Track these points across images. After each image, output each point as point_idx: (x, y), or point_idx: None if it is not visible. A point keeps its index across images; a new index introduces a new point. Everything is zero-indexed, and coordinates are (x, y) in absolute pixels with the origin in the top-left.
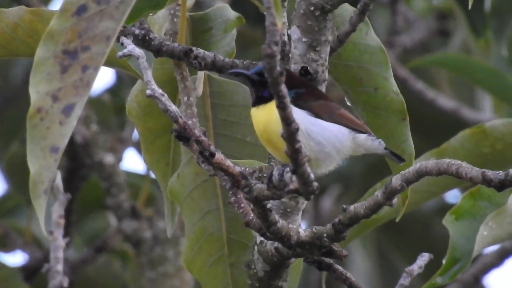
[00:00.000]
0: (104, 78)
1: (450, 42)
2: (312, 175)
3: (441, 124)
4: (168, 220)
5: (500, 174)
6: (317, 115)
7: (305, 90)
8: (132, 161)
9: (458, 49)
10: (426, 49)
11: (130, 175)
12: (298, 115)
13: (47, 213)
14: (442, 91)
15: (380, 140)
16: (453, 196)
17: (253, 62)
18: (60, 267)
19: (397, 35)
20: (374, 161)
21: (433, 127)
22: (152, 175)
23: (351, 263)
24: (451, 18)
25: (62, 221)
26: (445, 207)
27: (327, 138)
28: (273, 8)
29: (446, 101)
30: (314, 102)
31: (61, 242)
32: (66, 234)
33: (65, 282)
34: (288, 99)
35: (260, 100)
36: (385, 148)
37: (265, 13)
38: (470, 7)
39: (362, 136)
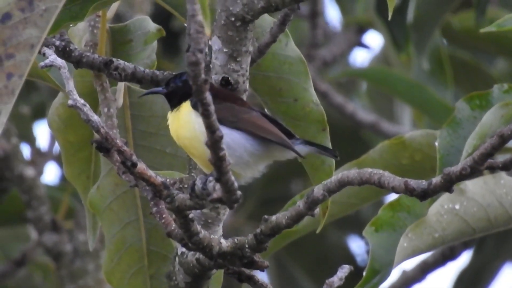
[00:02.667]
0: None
1: (370, 55)
2: (236, 184)
3: (361, 137)
4: (89, 233)
5: (423, 183)
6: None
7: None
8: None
9: (379, 62)
10: (346, 62)
11: (50, 188)
12: (198, 118)
13: None
14: (362, 103)
15: (300, 142)
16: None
17: (173, 73)
18: None
19: (317, 48)
20: (272, 171)
21: (353, 140)
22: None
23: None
24: (371, 31)
25: None
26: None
27: (228, 145)
28: (200, 15)
29: (365, 115)
30: (216, 105)
31: None
32: None
33: None
34: (212, 107)
35: (173, 105)
36: (311, 145)
37: (186, 23)
38: (390, 18)
39: (274, 147)
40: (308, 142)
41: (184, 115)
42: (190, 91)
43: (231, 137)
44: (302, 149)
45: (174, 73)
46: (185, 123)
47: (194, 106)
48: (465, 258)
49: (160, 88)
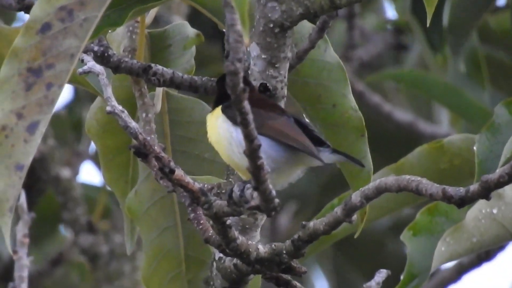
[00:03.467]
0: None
1: (407, 56)
2: (274, 192)
3: (398, 137)
4: (127, 238)
5: (461, 190)
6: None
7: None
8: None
9: (415, 63)
10: (382, 63)
11: (87, 187)
12: (223, 123)
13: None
14: (399, 104)
15: (329, 150)
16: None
17: (211, 79)
18: (24, 286)
19: (354, 49)
20: (329, 178)
21: (390, 140)
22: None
23: (307, 280)
24: (408, 32)
25: (27, 240)
26: (398, 224)
27: None
28: (239, 24)
29: (402, 114)
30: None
31: (25, 261)
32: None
33: None
34: (250, 116)
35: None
36: (338, 153)
37: (225, 30)
38: (428, 24)
39: (300, 153)
40: (336, 150)
41: (214, 119)
42: (224, 94)
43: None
44: (328, 157)
45: (212, 79)
46: (212, 127)
47: (224, 111)
48: None
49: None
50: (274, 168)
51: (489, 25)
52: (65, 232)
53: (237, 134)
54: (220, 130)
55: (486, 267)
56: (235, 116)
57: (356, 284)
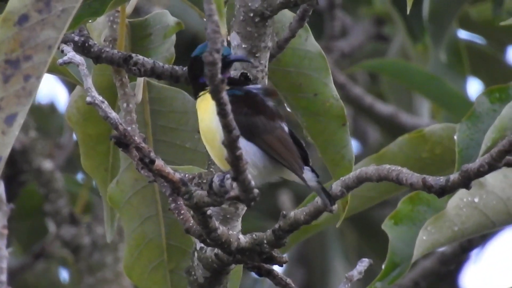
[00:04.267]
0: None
1: (388, 47)
2: (253, 182)
3: (379, 129)
4: (107, 226)
5: (441, 180)
6: (247, 136)
7: (243, 94)
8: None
9: (396, 54)
10: (364, 54)
11: (68, 182)
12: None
13: None
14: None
15: (311, 171)
16: None
17: None
18: (3, 277)
19: (334, 40)
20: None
21: (371, 131)
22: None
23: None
24: (389, 23)
25: (5, 232)
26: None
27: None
28: (217, 15)
29: (383, 106)
30: (244, 117)
31: (4, 252)
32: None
33: None
34: (229, 106)
35: (200, 88)
36: (318, 183)
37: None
38: (408, 12)
39: (284, 169)
40: (316, 173)
41: (207, 107)
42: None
43: (245, 149)
44: (311, 179)
45: None
46: (206, 116)
47: None
48: None
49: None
50: (253, 175)
51: (469, 15)
52: (47, 225)
53: None
54: (214, 122)
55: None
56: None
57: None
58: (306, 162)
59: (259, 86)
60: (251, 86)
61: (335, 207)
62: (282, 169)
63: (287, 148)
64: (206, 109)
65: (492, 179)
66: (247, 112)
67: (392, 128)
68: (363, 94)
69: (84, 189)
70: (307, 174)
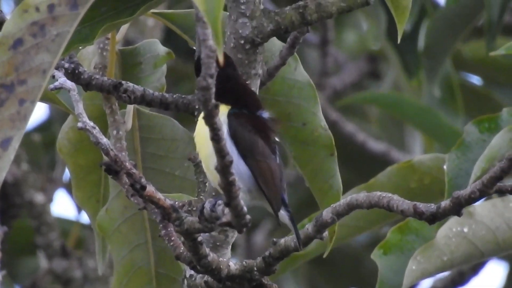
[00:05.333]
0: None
1: (381, 83)
2: (245, 208)
3: (372, 166)
4: (99, 257)
5: (432, 206)
6: (242, 153)
7: (246, 112)
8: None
9: (389, 90)
10: (356, 90)
11: (60, 219)
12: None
13: None
14: (373, 131)
15: (287, 213)
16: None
17: (183, 96)
18: None
19: (327, 76)
20: (305, 196)
21: (363, 169)
22: (82, 219)
23: None
24: (382, 60)
25: None
26: (375, 241)
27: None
28: (211, 40)
29: (376, 144)
30: (248, 133)
31: None
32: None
33: None
34: (222, 132)
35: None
36: (292, 223)
37: (195, 47)
38: (399, 41)
39: (264, 200)
40: (293, 220)
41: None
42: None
43: (238, 168)
44: (284, 216)
45: (183, 96)
46: (204, 140)
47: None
48: (497, 284)
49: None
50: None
51: (462, 52)
52: (38, 259)
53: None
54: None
55: None
56: (232, 130)
57: None
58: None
59: (266, 113)
60: (260, 111)
61: (325, 234)
62: (260, 200)
63: (274, 181)
64: (202, 134)
65: (481, 208)
66: (251, 130)
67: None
68: (355, 131)
69: (76, 225)
70: (283, 211)
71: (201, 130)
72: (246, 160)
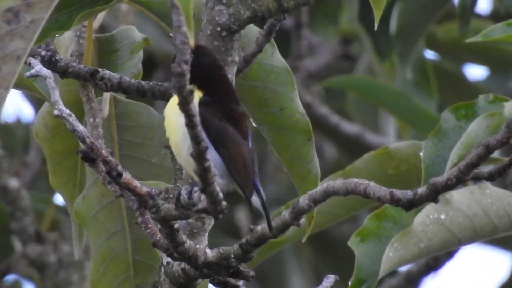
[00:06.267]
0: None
1: (355, 66)
2: (221, 194)
3: (346, 149)
4: (76, 243)
5: (409, 193)
6: (213, 140)
7: (217, 98)
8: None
9: (363, 73)
10: (330, 73)
11: (35, 199)
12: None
13: None
14: (347, 115)
15: (260, 199)
16: None
17: (159, 84)
18: None
19: (301, 59)
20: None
21: (337, 151)
22: (56, 200)
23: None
24: (355, 43)
25: None
26: None
27: None
28: (185, 26)
29: (350, 126)
30: (218, 121)
31: None
32: None
33: None
34: (197, 118)
35: None
36: (264, 209)
37: (172, 33)
38: (376, 28)
39: (236, 186)
40: (264, 206)
41: (176, 115)
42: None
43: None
44: (256, 202)
45: (159, 83)
46: (175, 126)
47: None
48: (503, 274)
49: None
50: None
51: (436, 34)
52: (13, 243)
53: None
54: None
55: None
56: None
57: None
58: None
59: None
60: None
61: (302, 221)
62: (233, 186)
63: (245, 167)
64: (176, 116)
65: (458, 195)
66: (222, 118)
67: (358, 148)
68: (329, 114)
69: (50, 207)
70: (254, 198)
71: (172, 116)
72: (216, 147)
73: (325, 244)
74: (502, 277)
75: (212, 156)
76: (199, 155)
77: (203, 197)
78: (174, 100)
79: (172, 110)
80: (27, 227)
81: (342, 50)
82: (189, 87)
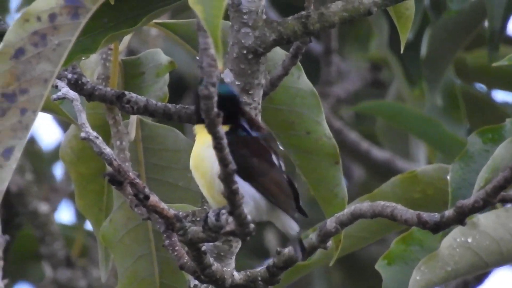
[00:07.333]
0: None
1: (384, 93)
2: (249, 217)
3: (376, 175)
4: (102, 265)
5: (436, 216)
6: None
7: (246, 135)
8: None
9: (392, 99)
10: (360, 99)
11: (64, 227)
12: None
13: None
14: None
15: (296, 227)
16: None
17: (185, 107)
18: None
19: (330, 86)
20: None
21: (367, 177)
22: (85, 227)
23: None
24: (385, 69)
25: (1, 263)
26: None
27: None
28: (212, 49)
29: (380, 152)
30: (242, 158)
31: (0, 283)
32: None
33: None
34: (225, 141)
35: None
36: (298, 234)
37: (197, 57)
38: (402, 50)
39: (281, 215)
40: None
41: (201, 141)
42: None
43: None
44: (292, 228)
45: (186, 106)
46: (198, 149)
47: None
48: None
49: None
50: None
51: (465, 60)
52: (43, 269)
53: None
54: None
55: None
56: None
57: None
58: (297, 202)
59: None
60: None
61: (329, 244)
62: (274, 211)
63: (282, 190)
64: (199, 143)
65: (485, 219)
66: (245, 154)
67: (388, 174)
68: (359, 140)
69: (80, 232)
70: (291, 223)
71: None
72: (249, 182)
73: (353, 267)
74: None
75: (245, 190)
76: (226, 178)
77: (230, 219)
78: (200, 134)
79: (199, 144)
80: (57, 252)
81: (372, 76)
82: (216, 110)
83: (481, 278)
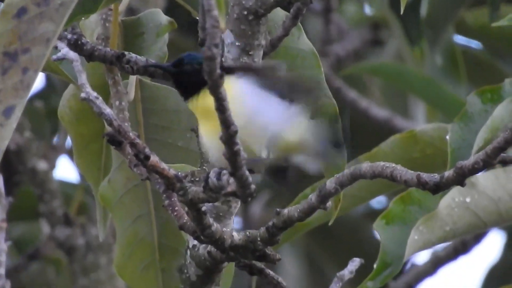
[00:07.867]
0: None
1: (383, 51)
2: (250, 178)
3: (375, 133)
4: (100, 224)
5: (435, 176)
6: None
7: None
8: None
9: (392, 58)
10: (359, 58)
11: (63, 184)
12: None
13: None
14: (375, 100)
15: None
16: (378, 202)
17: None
18: (2, 270)
19: (330, 44)
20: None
21: (366, 136)
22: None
23: (280, 268)
24: (384, 28)
25: (4, 225)
26: (372, 213)
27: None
28: (216, 10)
29: (379, 111)
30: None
31: (3, 245)
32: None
33: (8, 286)
34: (227, 102)
35: (188, 91)
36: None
37: (197, 17)
38: (402, 12)
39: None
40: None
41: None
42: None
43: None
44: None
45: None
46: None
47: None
48: (495, 253)
49: (168, 64)
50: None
51: (465, 20)
52: (41, 226)
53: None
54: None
55: (462, 260)
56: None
57: (329, 272)
58: None
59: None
60: None
61: (328, 204)
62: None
63: None
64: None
65: (484, 179)
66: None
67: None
68: (358, 98)
69: (79, 190)
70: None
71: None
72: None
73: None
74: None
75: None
76: (228, 139)
77: (231, 180)
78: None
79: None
80: (56, 210)
81: (371, 35)
82: (219, 71)
83: (479, 237)
